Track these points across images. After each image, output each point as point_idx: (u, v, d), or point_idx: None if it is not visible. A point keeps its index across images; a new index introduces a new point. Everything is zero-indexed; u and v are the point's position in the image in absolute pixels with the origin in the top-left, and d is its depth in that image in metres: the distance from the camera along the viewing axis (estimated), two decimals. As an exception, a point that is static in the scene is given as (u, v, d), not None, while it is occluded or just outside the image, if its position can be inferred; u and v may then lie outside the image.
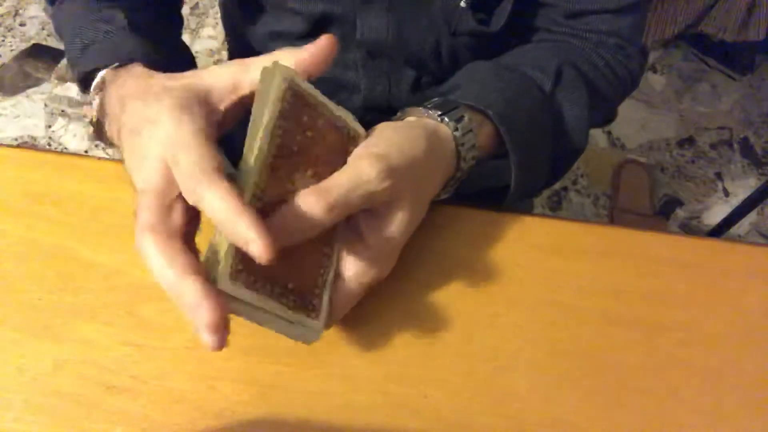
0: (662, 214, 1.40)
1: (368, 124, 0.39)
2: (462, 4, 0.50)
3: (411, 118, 0.42)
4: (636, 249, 0.45)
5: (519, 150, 0.43)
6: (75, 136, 1.41)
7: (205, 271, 0.30)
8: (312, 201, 0.32)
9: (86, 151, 1.39)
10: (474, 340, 0.41)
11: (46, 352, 0.39)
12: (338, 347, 0.40)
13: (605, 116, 0.58)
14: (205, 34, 1.61)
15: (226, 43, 0.73)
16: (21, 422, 0.37)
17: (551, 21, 0.53)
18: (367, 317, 0.40)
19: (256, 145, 0.31)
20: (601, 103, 0.53)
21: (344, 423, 0.38)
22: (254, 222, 0.28)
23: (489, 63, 0.49)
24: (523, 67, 0.48)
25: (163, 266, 0.29)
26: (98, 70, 0.42)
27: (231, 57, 0.71)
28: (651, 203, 1.39)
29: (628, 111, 1.52)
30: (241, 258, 0.30)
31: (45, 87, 1.50)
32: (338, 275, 0.37)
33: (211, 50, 1.59)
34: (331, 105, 0.36)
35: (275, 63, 0.33)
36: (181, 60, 0.56)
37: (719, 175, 1.46)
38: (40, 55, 1.55)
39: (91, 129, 0.42)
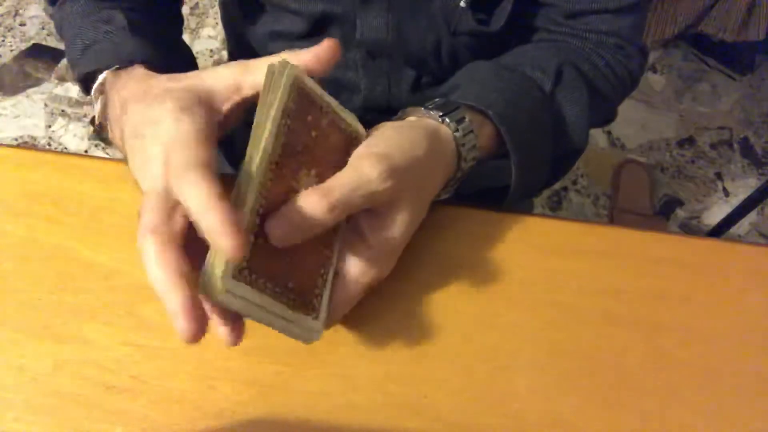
0: (662, 214, 1.40)
1: (368, 124, 0.39)
2: (462, 3, 0.50)
3: (411, 118, 0.42)
4: (636, 249, 0.45)
5: (519, 150, 0.43)
6: (75, 136, 1.41)
7: (207, 266, 0.30)
8: (314, 200, 0.32)
9: (86, 151, 1.39)
10: (474, 340, 0.41)
11: (46, 352, 0.39)
12: (338, 347, 0.40)
13: (605, 116, 0.58)
14: (205, 34, 1.61)
15: (226, 43, 0.73)
16: (21, 422, 0.37)
17: (551, 21, 0.53)
18: (367, 317, 0.40)
19: (261, 143, 0.31)
20: (601, 103, 0.53)
21: (344, 423, 0.38)
22: (227, 219, 0.28)
23: (489, 63, 0.49)
24: (523, 67, 0.48)
25: (155, 271, 0.30)
26: (99, 71, 0.42)
27: (231, 57, 0.71)
28: (651, 203, 1.39)
29: (628, 111, 1.52)
30: (245, 256, 0.30)
31: (45, 87, 1.50)
32: (338, 275, 0.37)
33: (211, 50, 1.59)
34: (335, 105, 0.36)
35: (282, 60, 0.33)
36: (181, 60, 0.56)
37: (719, 175, 1.46)
38: (40, 55, 1.55)
39: (91, 128, 0.42)
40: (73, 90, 1.48)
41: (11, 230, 0.43)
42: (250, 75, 0.35)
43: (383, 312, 0.41)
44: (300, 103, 0.33)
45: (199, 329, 0.29)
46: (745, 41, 1.43)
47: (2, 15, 1.62)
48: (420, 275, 0.42)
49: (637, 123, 1.51)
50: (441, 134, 0.40)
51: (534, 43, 0.55)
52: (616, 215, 1.36)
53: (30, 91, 1.49)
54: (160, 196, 0.31)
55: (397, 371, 0.39)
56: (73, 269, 0.41)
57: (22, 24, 1.60)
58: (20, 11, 1.63)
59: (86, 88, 0.45)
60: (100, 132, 0.42)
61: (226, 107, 0.35)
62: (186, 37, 1.55)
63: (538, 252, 0.44)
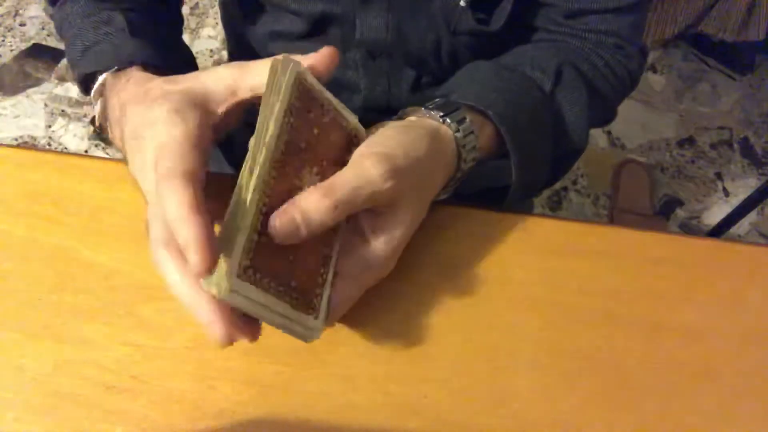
0: (662, 214, 1.40)
1: (368, 125, 0.39)
2: (461, 3, 0.50)
3: (412, 118, 0.42)
4: (636, 249, 0.45)
5: (519, 150, 0.43)
6: (75, 136, 1.41)
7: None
8: (317, 199, 0.32)
9: (86, 151, 1.39)
10: (474, 340, 0.41)
11: (46, 352, 0.39)
12: (338, 347, 0.40)
13: (605, 116, 0.58)
14: (205, 34, 1.61)
15: (226, 43, 0.73)
16: (21, 422, 0.37)
17: (551, 21, 0.53)
18: (367, 317, 0.40)
19: (264, 140, 0.31)
20: (601, 103, 0.53)
21: (344, 423, 0.38)
22: (195, 234, 0.28)
23: (489, 63, 0.49)
24: (523, 67, 0.48)
25: (177, 282, 0.31)
26: (99, 72, 0.43)
27: (231, 57, 0.72)
28: (651, 203, 1.39)
29: (628, 111, 1.52)
30: (249, 254, 0.30)
31: (45, 87, 1.50)
32: (338, 274, 0.37)
33: (211, 50, 1.59)
34: (336, 103, 0.36)
35: (286, 57, 0.33)
36: (181, 60, 0.56)
37: (719, 175, 1.46)
38: (40, 55, 1.55)
39: (91, 129, 0.43)
40: (73, 90, 1.48)
41: (11, 230, 0.43)
42: (247, 77, 0.35)
43: (383, 312, 0.41)
44: (302, 100, 0.33)
45: (232, 330, 0.31)
46: (745, 41, 1.43)
47: (2, 15, 1.62)
48: (420, 275, 0.42)
49: (637, 123, 1.51)
50: (441, 134, 0.40)
51: (534, 43, 0.55)
52: (616, 215, 1.36)
53: (30, 91, 1.49)
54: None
55: (397, 371, 0.39)
56: (73, 269, 0.41)
57: (22, 24, 1.60)
58: (20, 11, 1.63)
59: (86, 88, 0.45)
60: (101, 133, 0.42)
61: (222, 109, 0.35)
62: (186, 37, 1.55)
63: (538, 252, 0.44)
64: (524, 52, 0.52)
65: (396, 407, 0.38)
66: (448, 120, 0.41)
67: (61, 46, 0.62)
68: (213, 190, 0.34)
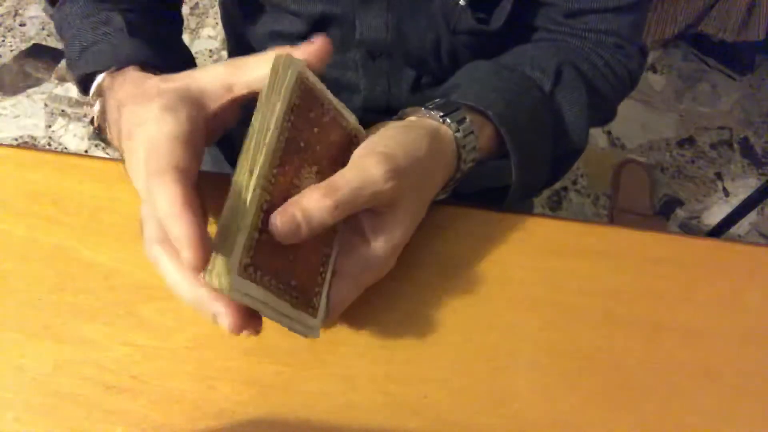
0: (662, 214, 1.40)
1: (368, 125, 0.39)
2: (461, 2, 0.50)
3: (412, 118, 0.42)
4: (636, 249, 0.45)
5: (519, 150, 0.43)
6: (75, 136, 1.41)
7: (211, 263, 0.30)
8: (318, 198, 0.32)
9: (86, 151, 1.39)
10: (474, 340, 0.41)
11: (46, 352, 0.39)
12: (338, 347, 0.40)
13: (605, 116, 0.58)
14: (205, 34, 1.61)
15: (226, 43, 0.73)
16: (21, 422, 0.37)
17: (551, 20, 0.53)
18: (367, 317, 0.40)
19: (265, 138, 0.31)
20: (601, 103, 0.53)
21: (344, 423, 0.38)
22: (187, 231, 0.28)
23: (489, 63, 0.49)
24: (523, 66, 0.48)
25: (176, 279, 0.31)
26: (97, 72, 0.43)
27: (231, 57, 0.72)
28: (651, 203, 1.39)
29: (628, 111, 1.52)
30: (249, 252, 0.30)
31: (45, 87, 1.50)
32: (336, 274, 0.37)
33: (211, 50, 1.59)
34: (336, 102, 0.36)
35: (288, 55, 0.33)
36: (180, 61, 0.56)
37: (719, 175, 1.46)
38: (40, 55, 1.55)
39: (91, 129, 0.43)
40: (73, 90, 1.48)
41: (11, 230, 0.43)
42: (243, 73, 0.35)
43: (383, 312, 0.41)
44: (303, 99, 0.33)
45: (243, 316, 0.31)
46: (745, 41, 1.43)
47: (2, 15, 1.62)
48: (420, 275, 0.42)
49: (637, 123, 1.51)
50: (441, 135, 0.40)
51: (533, 43, 0.55)
52: (616, 215, 1.36)
53: (30, 91, 1.49)
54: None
55: (397, 371, 0.39)
56: (73, 269, 0.41)
57: (22, 24, 1.60)
58: (20, 11, 1.63)
59: (85, 89, 0.45)
60: (100, 133, 0.42)
61: (216, 106, 0.35)
62: (186, 37, 1.55)
63: (538, 252, 0.44)
64: (524, 52, 0.52)
65: (396, 407, 0.38)
66: (448, 120, 0.40)
67: (61, 46, 0.62)
68: (213, 190, 0.34)
